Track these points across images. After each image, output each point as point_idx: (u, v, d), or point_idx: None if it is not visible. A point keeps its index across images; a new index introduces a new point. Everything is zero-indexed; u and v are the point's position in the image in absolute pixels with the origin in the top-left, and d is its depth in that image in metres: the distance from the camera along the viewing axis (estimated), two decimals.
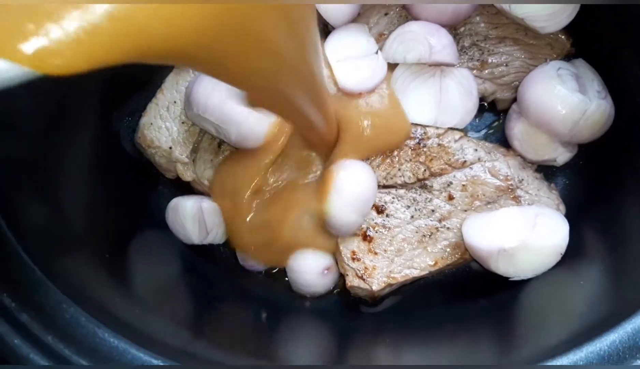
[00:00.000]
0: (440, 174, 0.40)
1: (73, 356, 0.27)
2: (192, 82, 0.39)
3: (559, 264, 0.37)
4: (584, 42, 0.42)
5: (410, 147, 0.41)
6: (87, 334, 0.27)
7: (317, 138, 0.38)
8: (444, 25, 0.42)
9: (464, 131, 0.42)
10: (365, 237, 0.40)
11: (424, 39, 0.40)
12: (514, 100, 0.43)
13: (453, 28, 0.43)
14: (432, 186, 0.40)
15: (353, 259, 0.39)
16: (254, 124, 0.39)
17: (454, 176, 0.40)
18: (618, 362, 0.26)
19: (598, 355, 0.26)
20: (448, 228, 0.40)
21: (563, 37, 0.42)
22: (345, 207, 0.38)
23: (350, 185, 0.38)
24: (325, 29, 0.43)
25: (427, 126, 0.41)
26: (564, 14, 0.40)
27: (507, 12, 0.41)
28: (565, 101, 0.38)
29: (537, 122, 0.40)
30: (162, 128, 0.42)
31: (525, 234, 0.36)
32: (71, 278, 0.30)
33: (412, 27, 0.41)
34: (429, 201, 0.40)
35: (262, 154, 0.41)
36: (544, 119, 0.39)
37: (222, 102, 0.38)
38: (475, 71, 0.43)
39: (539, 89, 0.39)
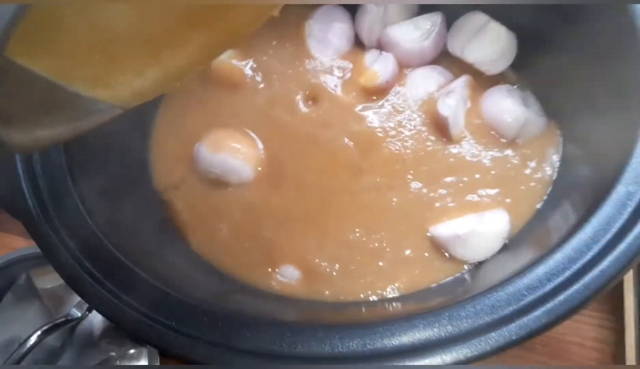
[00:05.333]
0: None
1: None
2: (197, 147, 0.53)
3: (502, 250, 0.46)
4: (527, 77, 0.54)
5: None
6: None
7: None
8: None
9: None
10: None
11: (430, 74, 0.53)
12: None
13: None
14: None
15: None
16: (249, 168, 0.52)
17: None
18: (518, 298, 0.35)
19: (506, 294, 0.36)
20: None
21: (510, 73, 0.54)
22: None
23: None
24: None
25: None
26: (502, 60, 0.53)
27: (460, 58, 0.53)
28: (511, 111, 0.50)
29: (491, 125, 0.51)
30: None
31: (475, 222, 0.46)
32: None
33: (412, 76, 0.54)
34: None
35: None
36: (495, 123, 0.51)
37: (224, 159, 0.52)
38: None
39: (492, 100, 0.52)
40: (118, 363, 0.58)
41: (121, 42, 0.26)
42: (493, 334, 0.34)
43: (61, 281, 0.64)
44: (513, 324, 0.34)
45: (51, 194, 0.42)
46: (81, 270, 0.39)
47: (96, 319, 0.61)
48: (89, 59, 0.26)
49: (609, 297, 0.57)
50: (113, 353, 0.59)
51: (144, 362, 0.58)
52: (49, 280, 0.63)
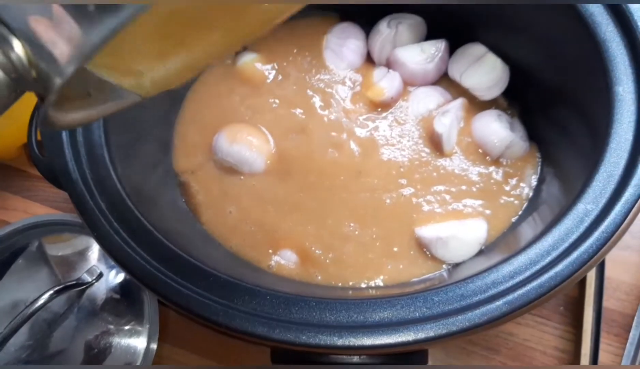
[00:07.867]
0: None
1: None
2: (216, 137, 0.59)
3: (478, 254, 0.53)
4: (515, 105, 0.61)
5: None
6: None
7: None
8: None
9: None
10: None
11: (431, 93, 0.60)
12: None
13: None
14: None
15: None
16: (261, 161, 0.59)
17: None
18: (484, 290, 0.41)
19: (474, 286, 0.42)
20: None
21: (501, 100, 0.60)
22: None
23: None
24: None
25: None
26: (496, 88, 0.59)
27: (458, 83, 0.59)
28: (497, 133, 0.56)
29: (479, 144, 0.58)
30: None
31: (456, 228, 0.53)
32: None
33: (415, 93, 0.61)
34: None
35: None
36: (483, 143, 0.57)
37: (240, 150, 0.58)
38: None
39: (482, 122, 0.58)
40: (114, 335, 0.62)
41: (144, 36, 0.28)
42: (460, 317, 0.40)
43: (72, 249, 0.69)
44: (478, 311, 0.40)
45: (90, 161, 0.48)
46: (110, 229, 0.45)
47: (100, 290, 0.64)
48: (119, 49, 0.27)
49: (571, 311, 0.63)
50: (111, 326, 0.63)
51: (136, 338, 0.62)
52: (60, 247, 0.67)
